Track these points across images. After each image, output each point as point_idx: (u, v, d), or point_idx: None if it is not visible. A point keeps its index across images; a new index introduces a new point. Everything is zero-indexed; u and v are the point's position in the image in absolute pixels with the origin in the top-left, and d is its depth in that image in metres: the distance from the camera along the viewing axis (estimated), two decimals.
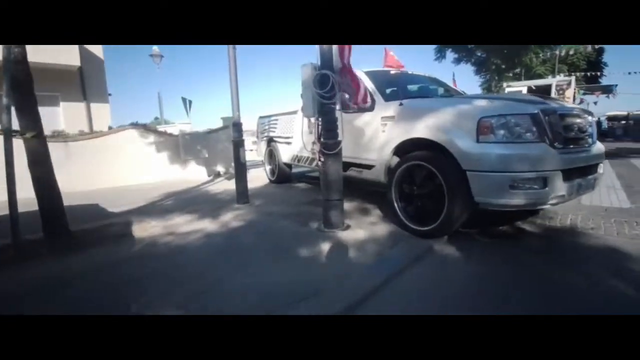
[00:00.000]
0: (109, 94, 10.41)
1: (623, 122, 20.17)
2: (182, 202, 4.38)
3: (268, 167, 5.84)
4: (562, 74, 13.90)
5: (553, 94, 10.52)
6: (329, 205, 2.88)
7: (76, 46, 8.19)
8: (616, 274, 1.97)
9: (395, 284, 1.94)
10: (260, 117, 6.09)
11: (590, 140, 2.59)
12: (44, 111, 2.92)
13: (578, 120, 2.49)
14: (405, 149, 2.80)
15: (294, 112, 4.79)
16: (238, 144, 3.92)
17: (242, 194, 4.03)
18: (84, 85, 9.33)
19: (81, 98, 9.37)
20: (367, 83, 3.33)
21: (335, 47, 2.67)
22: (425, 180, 2.63)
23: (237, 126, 3.93)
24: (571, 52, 18.64)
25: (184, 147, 6.50)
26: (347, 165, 3.55)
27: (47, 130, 2.99)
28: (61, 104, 9.04)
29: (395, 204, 2.88)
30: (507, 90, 11.08)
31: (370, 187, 3.19)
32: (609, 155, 8.99)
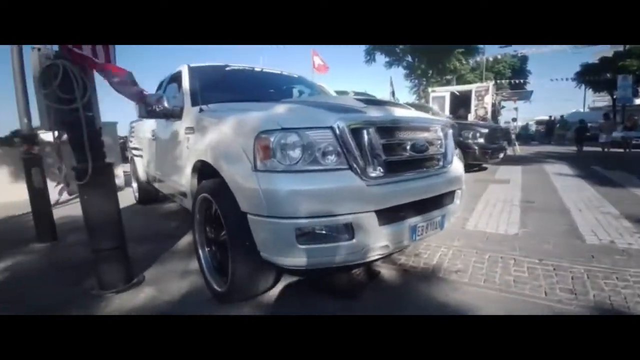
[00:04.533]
0: None
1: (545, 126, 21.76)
2: None
3: (134, 185, 4.76)
4: (489, 81, 14.27)
5: (473, 100, 10.58)
6: (99, 257, 1.97)
7: None
8: None
9: None
10: (131, 122, 5.00)
11: (440, 162, 1.94)
12: None
13: (418, 135, 1.80)
14: (206, 173, 1.99)
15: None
16: (30, 163, 2.85)
17: (45, 230, 2.96)
18: None
19: None
20: (185, 81, 2.48)
21: None
22: (216, 221, 1.83)
23: (28, 139, 2.86)
24: (499, 57, 19.68)
25: None
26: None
27: None
28: None
29: (200, 250, 2.05)
30: (432, 95, 10.98)
31: None
32: (526, 160, 9.09)
